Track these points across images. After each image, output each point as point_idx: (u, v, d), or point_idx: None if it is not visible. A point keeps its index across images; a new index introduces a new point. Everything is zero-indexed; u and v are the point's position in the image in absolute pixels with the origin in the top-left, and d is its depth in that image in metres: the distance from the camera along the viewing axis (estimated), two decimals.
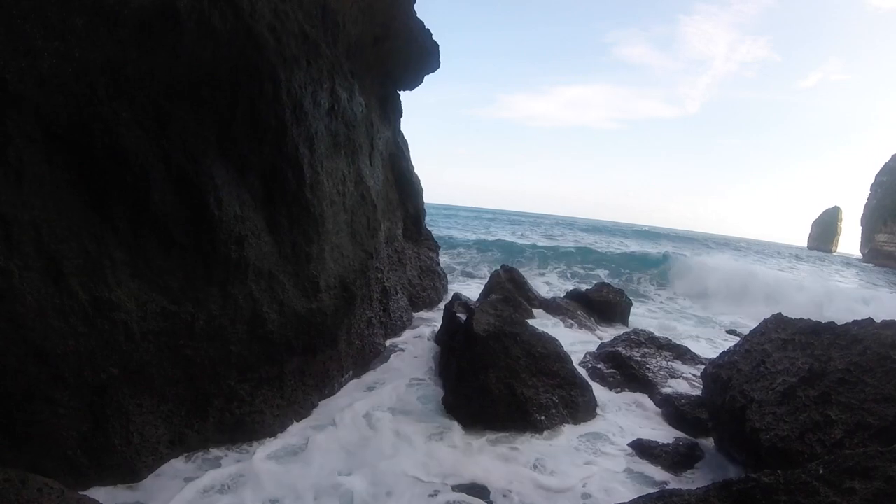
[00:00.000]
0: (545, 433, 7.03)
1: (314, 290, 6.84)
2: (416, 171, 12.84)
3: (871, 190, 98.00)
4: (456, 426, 7.09)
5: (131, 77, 4.86)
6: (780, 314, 7.16)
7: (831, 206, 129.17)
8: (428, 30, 11.19)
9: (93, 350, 4.48)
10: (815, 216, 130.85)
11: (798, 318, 6.93)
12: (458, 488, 5.77)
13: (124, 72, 4.80)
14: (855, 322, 6.38)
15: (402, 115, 12.06)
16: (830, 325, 6.45)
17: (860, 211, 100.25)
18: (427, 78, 12.19)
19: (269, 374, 6.27)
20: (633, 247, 42.40)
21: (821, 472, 4.01)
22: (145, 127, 4.96)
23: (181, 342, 5.25)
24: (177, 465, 5.41)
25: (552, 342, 8.16)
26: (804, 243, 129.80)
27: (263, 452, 5.86)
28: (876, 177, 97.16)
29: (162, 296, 5.10)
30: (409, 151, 12.53)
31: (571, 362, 8.17)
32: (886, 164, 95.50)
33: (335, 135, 7.66)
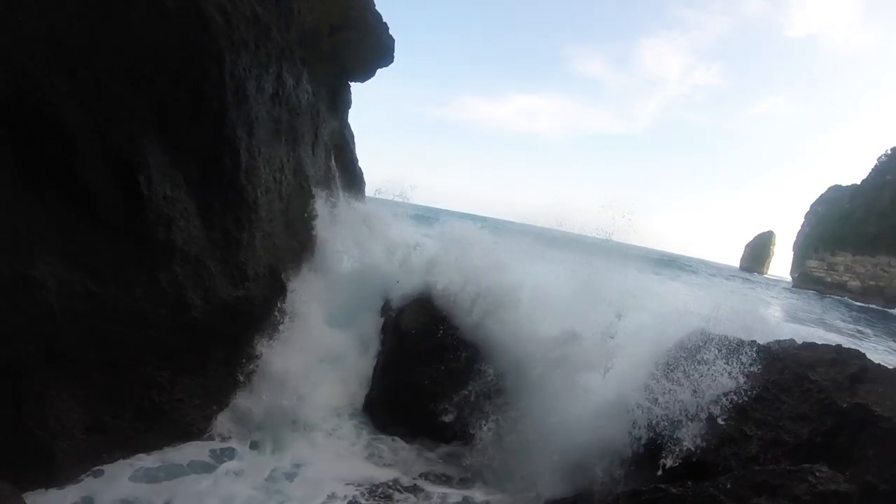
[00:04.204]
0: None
1: (242, 278, 6.89)
2: (361, 164, 12.86)
3: (805, 218, 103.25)
4: (380, 421, 7.31)
5: (74, 49, 4.86)
6: (702, 329, 7.44)
7: (766, 230, 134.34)
8: (385, 23, 11.24)
9: (12, 330, 4.47)
10: (750, 239, 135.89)
11: (720, 333, 7.22)
12: (376, 479, 6.29)
13: (67, 43, 4.79)
14: (776, 341, 6.76)
15: (350, 107, 12.06)
16: (752, 343, 6.78)
17: (792, 237, 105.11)
18: (381, 72, 12.24)
19: (191, 362, 6.31)
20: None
21: (728, 486, 4.30)
22: (83, 101, 4.96)
23: (102, 325, 5.26)
24: None
25: None
26: (738, 264, 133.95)
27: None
28: (811, 206, 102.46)
29: (86, 276, 5.10)
30: (355, 144, 12.54)
31: None
32: (822, 195, 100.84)
33: (277, 121, 7.68)
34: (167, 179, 5.80)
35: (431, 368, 7.55)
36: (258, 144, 7.07)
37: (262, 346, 7.32)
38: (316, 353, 7.95)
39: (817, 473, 4.26)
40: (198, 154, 6.22)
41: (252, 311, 7.03)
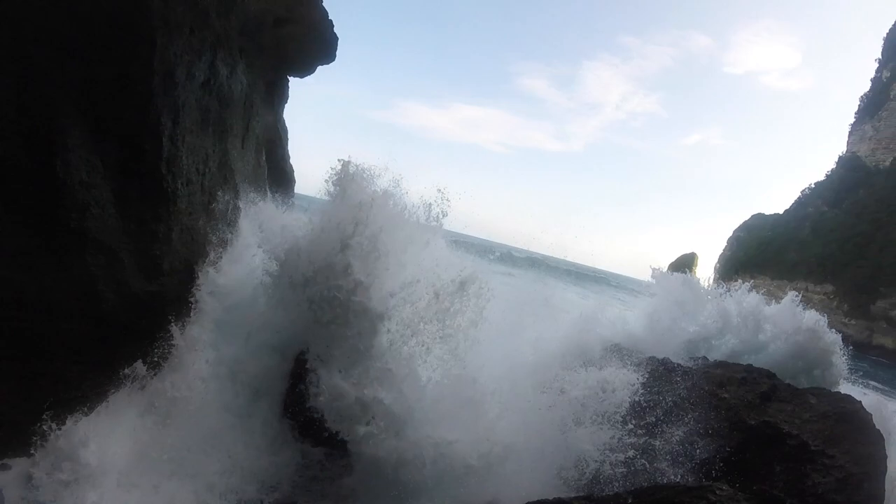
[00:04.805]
0: None
1: (156, 272, 6.66)
2: (293, 161, 12.68)
3: (727, 243, 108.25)
4: (294, 424, 7.13)
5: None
6: (618, 345, 7.64)
7: (689, 251, 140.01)
8: (331, 20, 11.17)
9: None
10: (673, 259, 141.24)
11: (635, 351, 7.43)
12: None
13: None
14: (690, 358, 6.99)
15: (287, 101, 11.88)
16: (665, 361, 7.00)
17: (714, 259, 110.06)
18: (321, 70, 12.13)
19: (102, 358, 6.05)
20: None
21: (630, 501, 4.37)
22: (8, 71, 4.79)
23: (11, 313, 5.09)
24: None
25: None
26: None
27: None
28: (734, 231, 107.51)
29: None
30: (287, 140, 12.33)
31: None
32: (745, 222, 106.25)
33: (206, 110, 7.47)
34: (84, 163, 5.63)
35: None
36: (182, 133, 6.86)
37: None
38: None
39: (717, 491, 4.41)
40: (120, 139, 6.03)
41: (164, 308, 6.77)
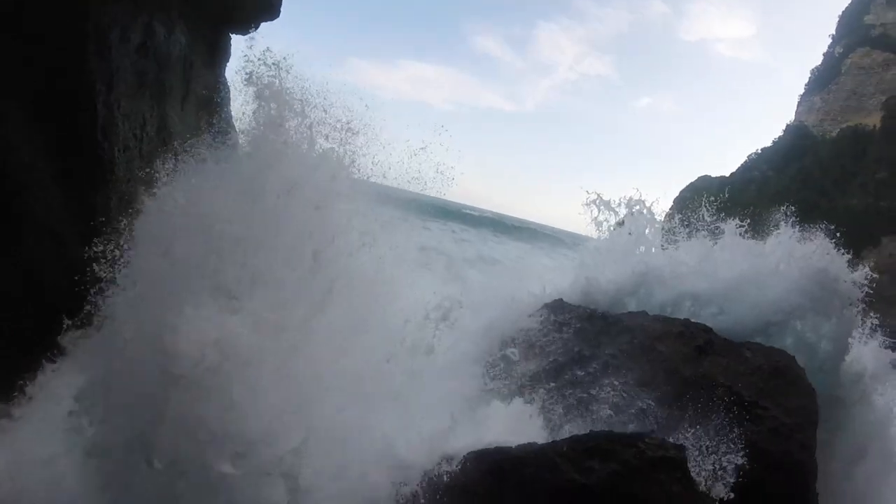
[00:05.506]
0: None
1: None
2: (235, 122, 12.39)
3: (673, 202, 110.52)
4: None
5: None
6: (560, 299, 7.76)
7: None
8: None
9: None
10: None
11: (576, 304, 7.58)
12: None
13: None
14: (628, 313, 7.20)
15: (229, 59, 11.57)
16: (604, 314, 7.19)
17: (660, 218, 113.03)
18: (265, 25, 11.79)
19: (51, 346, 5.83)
20: None
21: (564, 449, 4.60)
22: None
23: None
24: None
25: None
26: None
27: None
28: (680, 192, 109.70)
29: None
30: (230, 100, 12.05)
31: None
32: (692, 183, 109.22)
33: (142, 73, 7.32)
34: (24, 139, 5.57)
35: None
36: (118, 98, 6.76)
37: None
38: None
39: (647, 440, 4.69)
40: (54, 110, 5.93)
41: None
